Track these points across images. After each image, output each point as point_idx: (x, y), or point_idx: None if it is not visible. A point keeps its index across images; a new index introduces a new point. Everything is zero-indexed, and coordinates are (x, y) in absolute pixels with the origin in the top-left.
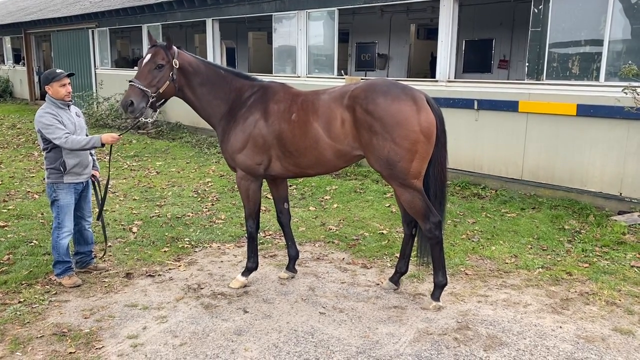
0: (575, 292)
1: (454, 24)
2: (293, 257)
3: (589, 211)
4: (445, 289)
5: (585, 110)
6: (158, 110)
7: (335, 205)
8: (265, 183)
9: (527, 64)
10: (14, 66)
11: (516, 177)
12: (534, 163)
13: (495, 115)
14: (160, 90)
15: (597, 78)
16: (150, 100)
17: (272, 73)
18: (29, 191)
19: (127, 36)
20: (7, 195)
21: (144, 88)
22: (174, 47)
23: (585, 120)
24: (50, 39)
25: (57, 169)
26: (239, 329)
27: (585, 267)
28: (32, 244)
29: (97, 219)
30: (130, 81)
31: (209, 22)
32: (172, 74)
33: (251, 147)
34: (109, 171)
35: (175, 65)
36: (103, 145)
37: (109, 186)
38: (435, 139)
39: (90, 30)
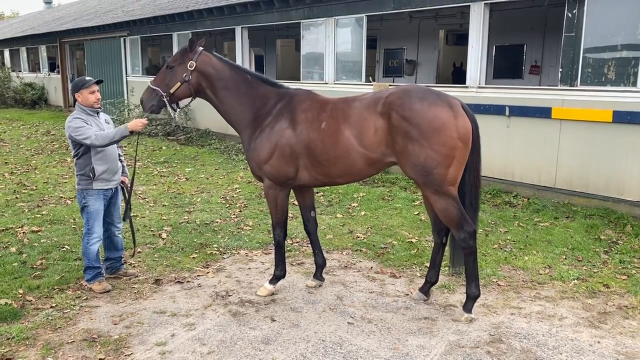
0: (614, 305)
1: (485, 29)
2: (320, 265)
3: (626, 221)
4: (477, 300)
5: (622, 117)
6: (180, 107)
7: (362, 213)
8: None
9: (560, 70)
10: (49, 74)
11: (549, 185)
12: (568, 171)
13: (528, 121)
14: (171, 91)
15: (634, 84)
16: (163, 99)
17: (299, 80)
18: (62, 196)
19: (157, 44)
20: (41, 200)
21: (155, 87)
22: (198, 49)
23: (621, 127)
24: (84, 47)
25: (87, 175)
26: (267, 338)
27: (624, 280)
28: (64, 249)
29: (124, 220)
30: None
31: (238, 29)
32: (185, 75)
33: (278, 157)
34: (135, 165)
35: (191, 67)
36: (132, 132)
37: (133, 186)
38: (471, 145)
39: (122, 39)
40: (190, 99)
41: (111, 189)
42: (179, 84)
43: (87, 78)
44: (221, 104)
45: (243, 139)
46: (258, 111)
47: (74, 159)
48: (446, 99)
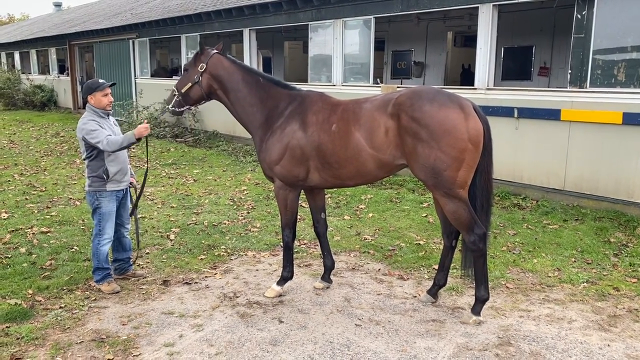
0: (624, 308)
1: (493, 30)
2: (329, 267)
3: (636, 223)
4: (486, 303)
5: (632, 119)
6: (190, 107)
7: (370, 215)
8: (302, 192)
9: (569, 71)
10: (58, 76)
11: (558, 188)
12: (577, 173)
13: (536, 123)
14: (182, 91)
15: None
16: (175, 98)
17: (307, 82)
18: (70, 198)
19: (166, 46)
20: (51, 201)
21: (173, 88)
22: (209, 52)
23: (631, 129)
24: (93, 49)
25: (100, 176)
26: (274, 339)
27: (634, 283)
28: (73, 249)
29: (131, 215)
30: None
31: (246, 32)
32: (195, 77)
33: (289, 159)
34: (147, 164)
35: (201, 69)
36: (139, 139)
37: (145, 182)
38: (482, 147)
39: (130, 41)
40: (203, 101)
41: (122, 190)
42: (189, 84)
43: (100, 80)
44: (233, 105)
45: (255, 140)
46: (270, 113)
47: (86, 161)
48: (457, 100)
